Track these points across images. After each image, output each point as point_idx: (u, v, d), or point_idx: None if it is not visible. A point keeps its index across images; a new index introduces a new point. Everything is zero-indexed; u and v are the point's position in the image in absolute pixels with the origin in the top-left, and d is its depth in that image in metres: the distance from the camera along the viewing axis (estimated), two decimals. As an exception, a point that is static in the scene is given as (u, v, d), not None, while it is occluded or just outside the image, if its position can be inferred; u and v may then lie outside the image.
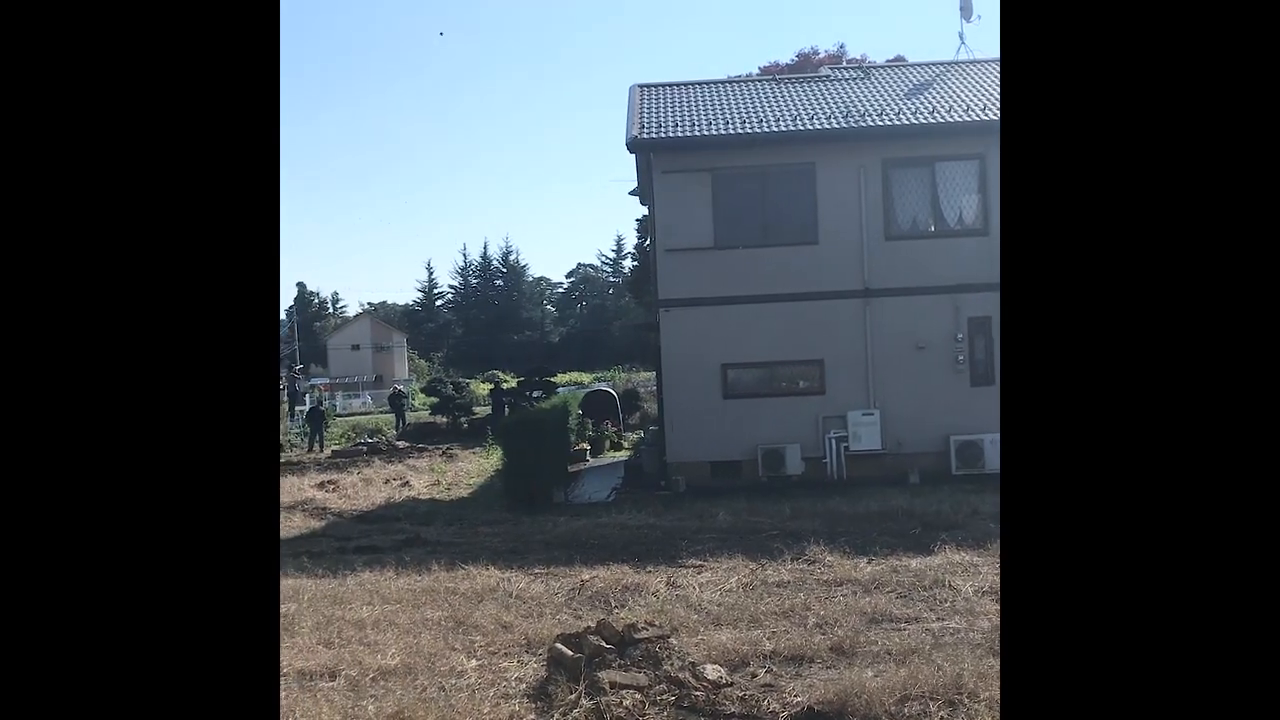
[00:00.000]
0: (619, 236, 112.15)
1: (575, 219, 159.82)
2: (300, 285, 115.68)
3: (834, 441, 16.97)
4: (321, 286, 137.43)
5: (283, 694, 6.72)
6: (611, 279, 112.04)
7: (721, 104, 19.01)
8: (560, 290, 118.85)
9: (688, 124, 17.90)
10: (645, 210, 21.94)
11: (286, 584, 10.22)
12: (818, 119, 17.73)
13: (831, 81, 20.31)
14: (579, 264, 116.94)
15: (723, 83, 21.43)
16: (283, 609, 9.03)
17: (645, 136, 17.44)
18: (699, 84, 20.59)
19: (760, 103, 18.96)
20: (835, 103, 18.56)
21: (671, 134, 17.56)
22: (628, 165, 21.84)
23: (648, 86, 20.22)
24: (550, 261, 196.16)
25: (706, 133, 17.51)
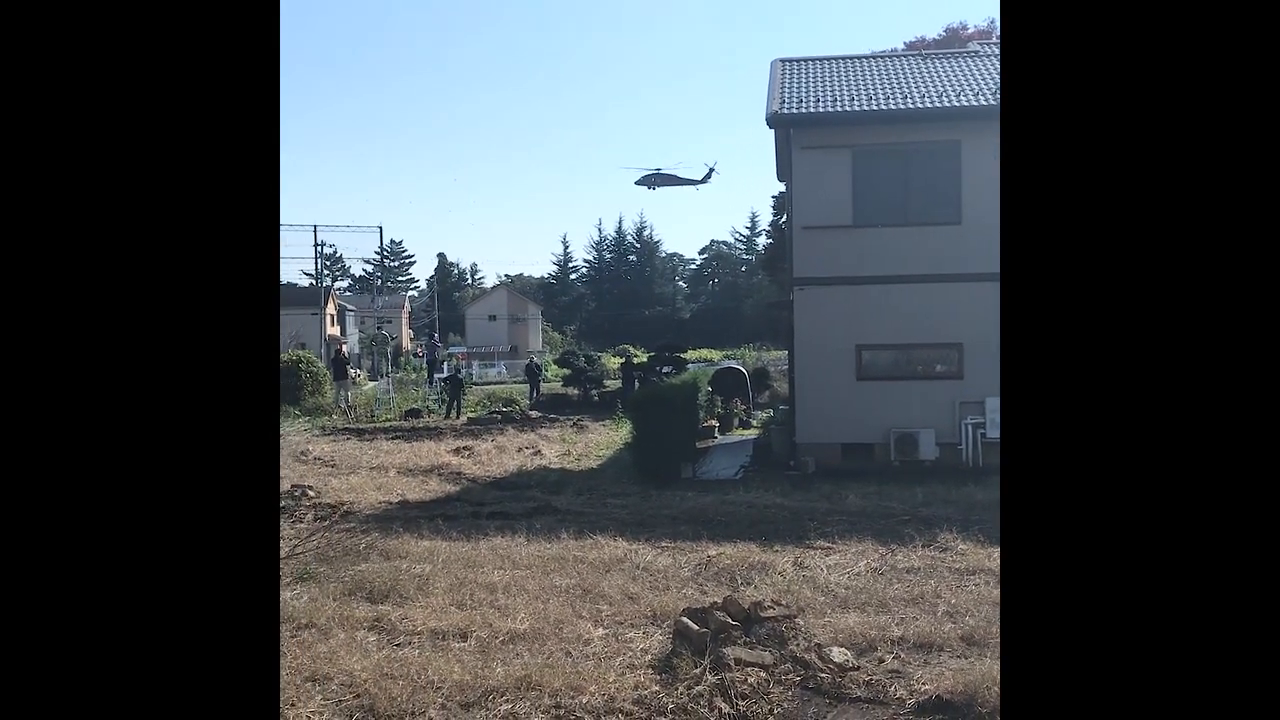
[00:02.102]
0: (753, 213, 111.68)
1: (710, 195, 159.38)
2: (440, 256, 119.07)
3: (970, 427, 16.54)
4: (461, 258, 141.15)
5: (416, 651, 6.97)
6: (744, 256, 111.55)
7: (864, 79, 18.60)
8: (693, 266, 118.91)
9: (829, 99, 17.58)
10: (783, 186, 21.70)
11: (423, 544, 10.57)
12: (965, 96, 17.16)
13: (980, 57, 19.64)
14: (712, 240, 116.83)
15: (866, 58, 20.96)
16: (419, 569, 9.35)
17: (785, 112, 17.20)
18: (842, 59, 20.19)
19: (905, 78, 18.48)
20: (984, 79, 17.94)
21: (812, 109, 17.28)
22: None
23: (789, 61, 19.94)
24: (683, 238, 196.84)
25: (848, 108, 17.17)
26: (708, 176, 66.59)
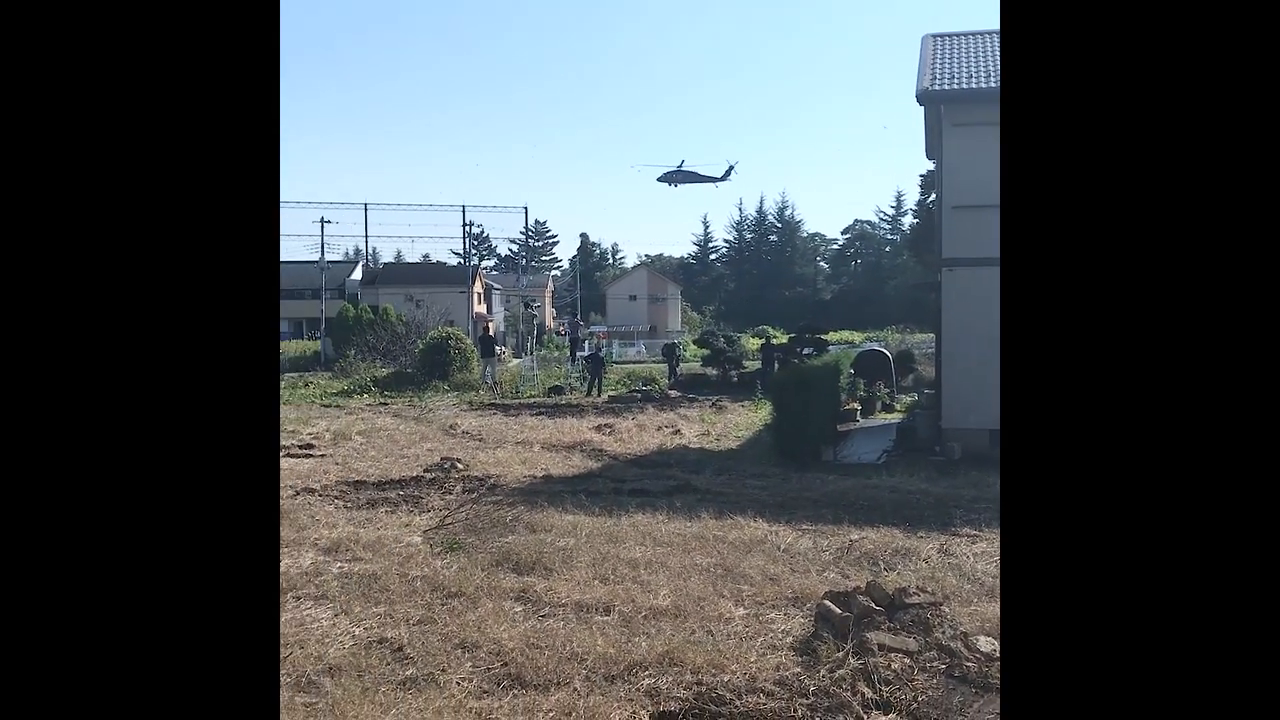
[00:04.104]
0: (899, 192, 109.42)
1: (854, 174, 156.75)
2: (583, 236, 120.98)
3: (1127, 416, 15.83)
4: (602, 238, 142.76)
5: (561, 623, 7.13)
6: (889, 236, 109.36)
7: (1020, 53, 17.91)
8: (835, 247, 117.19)
9: (982, 74, 17.01)
10: (931, 165, 21.15)
11: (567, 519, 10.79)
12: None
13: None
14: (855, 220, 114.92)
15: (1022, 30, 20.17)
16: (563, 543, 9.55)
17: (936, 88, 16.75)
18: (996, 33, 19.50)
19: (1064, 51, 17.73)
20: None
21: (964, 85, 16.76)
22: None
23: (941, 36, 19.36)
24: (826, 217, 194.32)
25: (1002, 83, 16.58)
26: (727, 174, 67.30)
